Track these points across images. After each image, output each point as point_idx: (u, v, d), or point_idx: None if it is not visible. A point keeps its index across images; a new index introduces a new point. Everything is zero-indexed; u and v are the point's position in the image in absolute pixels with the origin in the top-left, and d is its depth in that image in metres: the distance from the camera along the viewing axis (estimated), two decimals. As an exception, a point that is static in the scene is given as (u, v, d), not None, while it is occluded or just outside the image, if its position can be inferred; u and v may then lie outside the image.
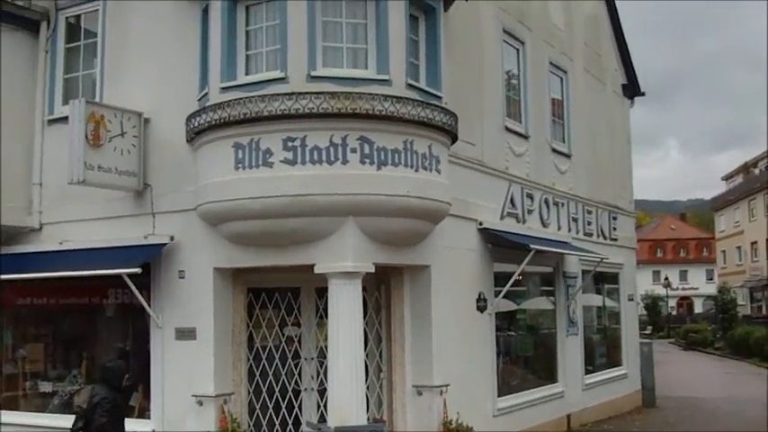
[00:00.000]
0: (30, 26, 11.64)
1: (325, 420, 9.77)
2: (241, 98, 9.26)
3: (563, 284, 15.64)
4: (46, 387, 11.81)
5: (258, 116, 9.15)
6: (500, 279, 12.85)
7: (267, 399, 10.54)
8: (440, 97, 10.22)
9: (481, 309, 12.33)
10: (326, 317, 9.71)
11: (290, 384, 10.63)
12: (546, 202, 14.81)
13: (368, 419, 9.96)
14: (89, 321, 11.86)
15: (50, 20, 11.63)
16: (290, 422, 10.57)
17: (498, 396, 12.71)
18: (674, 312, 69.89)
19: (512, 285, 12.97)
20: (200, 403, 9.82)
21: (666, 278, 59.94)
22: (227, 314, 10.21)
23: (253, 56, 9.77)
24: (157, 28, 10.84)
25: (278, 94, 9.12)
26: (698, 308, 75.68)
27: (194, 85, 10.17)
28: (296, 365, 10.69)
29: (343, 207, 9.25)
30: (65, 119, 10.31)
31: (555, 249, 14.18)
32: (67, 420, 8.97)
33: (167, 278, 10.39)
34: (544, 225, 14.68)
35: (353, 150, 9.23)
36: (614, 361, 18.71)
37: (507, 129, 13.64)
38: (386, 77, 9.45)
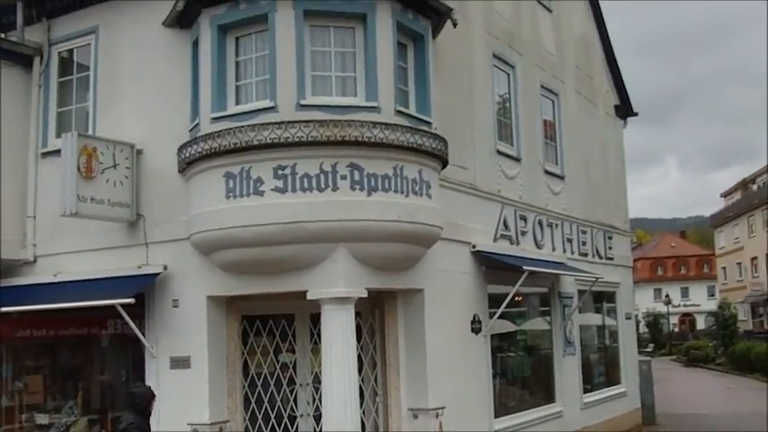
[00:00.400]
0: (23, 61, 11.73)
1: (321, 446, 9.77)
2: (231, 128, 9.35)
3: (559, 305, 15.67)
4: (42, 419, 11.74)
5: (248, 145, 9.23)
6: (495, 301, 12.89)
7: (263, 425, 10.54)
8: (429, 123, 10.32)
9: (476, 331, 12.35)
10: (321, 342, 9.74)
11: (285, 411, 10.64)
12: (540, 223, 14.87)
13: (364, 444, 9.97)
14: (85, 352, 11.88)
15: (43, 55, 11.72)
16: (286, 449, 10.58)
17: (495, 417, 12.69)
18: (676, 329, 69.84)
19: (507, 306, 13.00)
20: (196, 432, 9.83)
21: (667, 295, 60.02)
22: (222, 342, 10.22)
23: (243, 86, 9.87)
24: (149, 60, 10.94)
25: (268, 123, 9.21)
26: (700, 324, 75.51)
27: (186, 116, 10.27)
28: (291, 391, 10.71)
29: (334, 233, 9.31)
30: (58, 152, 10.33)
31: (549, 270, 14.21)
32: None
33: (161, 307, 10.40)
34: (538, 246, 14.71)
35: (344, 177, 9.30)
36: (613, 379, 18.70)
37: (499, 152, 13.73)
38: (375, 104, 9.55)
